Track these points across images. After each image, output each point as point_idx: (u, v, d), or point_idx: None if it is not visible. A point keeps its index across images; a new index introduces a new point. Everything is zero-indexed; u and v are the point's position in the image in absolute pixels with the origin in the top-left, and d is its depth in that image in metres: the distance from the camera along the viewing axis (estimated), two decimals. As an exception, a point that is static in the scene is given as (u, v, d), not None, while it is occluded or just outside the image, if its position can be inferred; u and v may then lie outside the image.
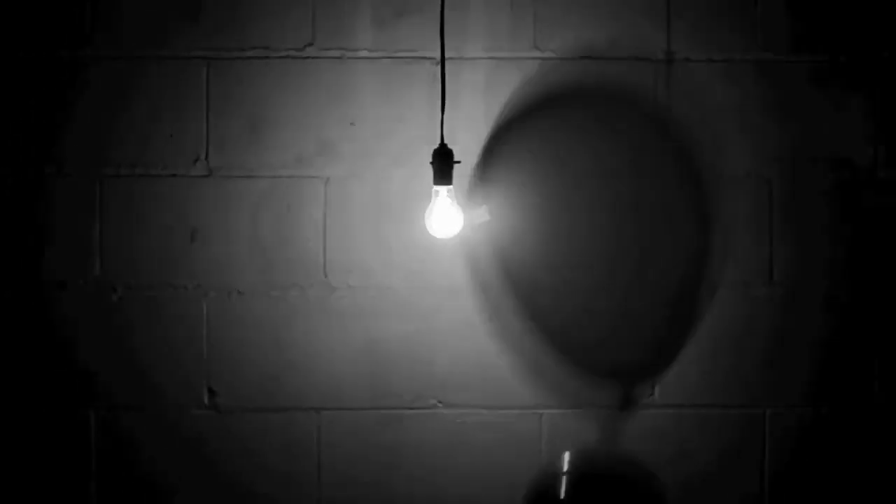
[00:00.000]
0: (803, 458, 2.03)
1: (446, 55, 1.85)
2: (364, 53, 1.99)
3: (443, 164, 1.78)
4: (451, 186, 1.80)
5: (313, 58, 1.99)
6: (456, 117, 1.95)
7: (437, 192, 1.81)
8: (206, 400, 2.00)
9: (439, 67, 1.86)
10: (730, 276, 2.01)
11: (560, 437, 2.01)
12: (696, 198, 2.01)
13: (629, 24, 2.00)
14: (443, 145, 1.79)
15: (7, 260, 1.98)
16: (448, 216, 1.82)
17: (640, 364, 2.01)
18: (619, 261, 2.01)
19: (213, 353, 2.00)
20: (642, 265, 2.00)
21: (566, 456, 1.96)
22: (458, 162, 1.80)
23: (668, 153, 2.00)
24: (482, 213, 1.98)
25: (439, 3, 1.83)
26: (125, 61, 1.98)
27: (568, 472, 1.96)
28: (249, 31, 1.99)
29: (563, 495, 1.95)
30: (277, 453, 2.01)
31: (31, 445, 1.99)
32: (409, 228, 1.98)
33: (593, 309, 2.00)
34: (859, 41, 2.01)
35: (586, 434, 2.01)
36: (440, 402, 2.01)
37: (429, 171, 1.80)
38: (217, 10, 1.98)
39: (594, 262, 2.00)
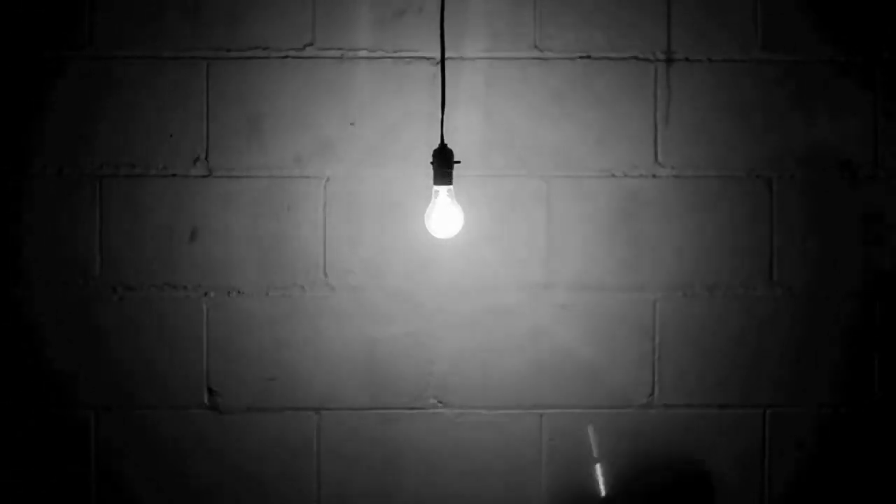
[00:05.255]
0: (803, 456, 2.03)
1: (446, 55, 1.85)
2: (364, 53, 1.99)
3: (443, 163, 1.78)
4: (451, 186, 1.80)
5: (313, 58, 1.99)
6: (456, 117, 1.96)
7: (437, 191, 1.81)
8: (206, 400, 2.00)
9: (439, 67, 1.86)
10: (730, 276, 2.01)
11: (560, 437, 2.01)
12: (696, 197, 2.01)
13: (629, 23, 2.00)
14: (443, 145, 1.79)
15: (7, 260, 1.98)
16: (448, 216, 1.82)
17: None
18: (617, 258, 2.01)
19: (213, 353, 2.00)
20: (644, 264, 2.01)
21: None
22: (458, 162, 1.80)
23: (669, 153, 2.01)
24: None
25: (439, 3, 1.83)
26: (125, 61, 1.98)
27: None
28: (249, 31, 1.99)
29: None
30: (277, 453, 2.01)
31: (31, 446, 1.99)
32: (410, 228, 1.98)
33: (575, 305, 2.00)
34: (859, 41, 2.01)
35: (586, 434, 2.01)
36: (440, 401, 2.01)
37: (429, 171, 1.80)
38: (217, 9, 1.98)
39: (591, 259, 2.01)
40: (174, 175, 1.99)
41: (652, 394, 2.02)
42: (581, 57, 2.00)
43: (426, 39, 1.97)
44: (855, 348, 2.02)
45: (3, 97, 1.97)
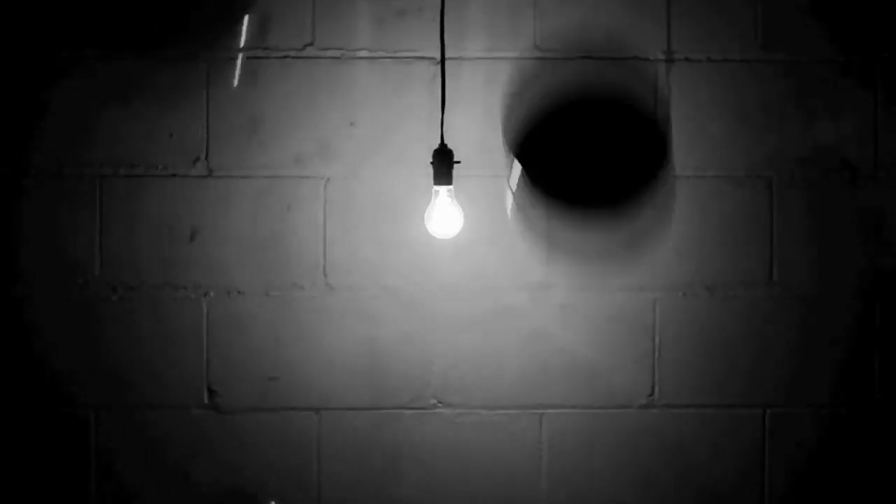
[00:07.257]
0: (803, 457, 2.03)
1: (446, 55, 1.85)
2: (364, 53, 1.99)
3: (443, 163, 1.78)
4: (450, 186, 1.80)
5: (313, 58, 1.99)
6: (456, 117, 1.95)
7: (437, 191, 1.81)
8: (206, 400, 2.00)
9: (439, 67, 1.86)
10: (730, 276, 2.01)
11: (560, 437, 2.01)
12: (696, 197, 2.01)
13: (629, 23, 2.00)
14: (443, 145, 1.79)
15: (7, 260, 1.98)
16: (448, 216, 1.82)
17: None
18: (617, 257, 2.01)
19: (213, 353, 2.00)
20: (643, 264, 2.01)
21: None
22: (458, 162, 1.80)
23: (669, 153, 2.01)
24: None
25: (439, 3, 1.83)
26: (125, 61, 1.98)
27: None
28: (249, 31, 1.99)
29: None
30: (277, 453, 2.01)
31: (31, 445, 1.99)
32: (409, 228, 1.98)
33: (575, 305, 2.00)
34: (859, 41, 2.01)
35: (586, 434, 2.01)
36: (439, 401, 2.01)
37: (429, 171, 1.80)
38: (217, 9, 1.98)
39: (590, 258, 2.01)
40: (174, 175, 1.99)
41: (652, 394, 2.02)
42: (581, 57, 2.00)
43: (426, 39, 1.97)
44: (855, 348, 2.02)
45: (3, 97, 1.98)
